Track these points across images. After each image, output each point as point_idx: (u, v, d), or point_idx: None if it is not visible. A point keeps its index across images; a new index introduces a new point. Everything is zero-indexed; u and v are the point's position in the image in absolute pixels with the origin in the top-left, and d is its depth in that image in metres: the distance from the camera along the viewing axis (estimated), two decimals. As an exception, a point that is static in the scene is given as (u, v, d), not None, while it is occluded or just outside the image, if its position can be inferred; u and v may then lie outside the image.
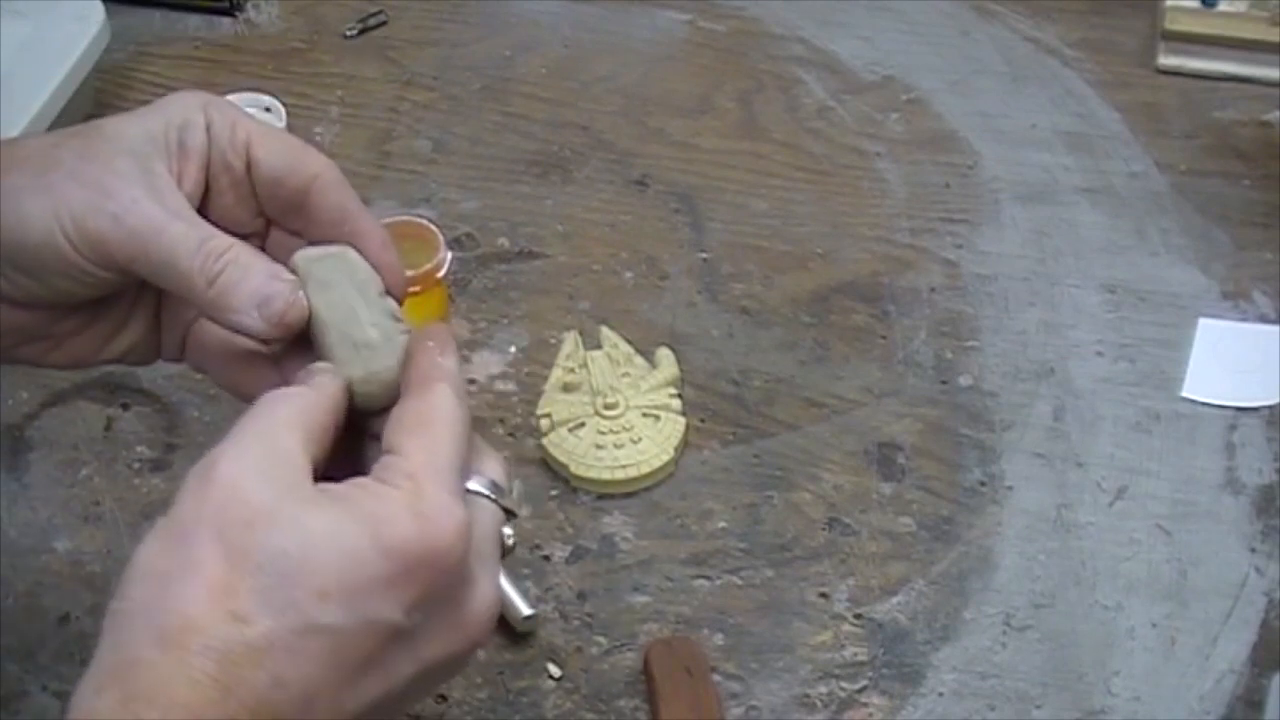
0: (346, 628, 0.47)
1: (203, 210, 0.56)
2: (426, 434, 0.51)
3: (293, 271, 0.55)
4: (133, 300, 0.58)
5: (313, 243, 0.57)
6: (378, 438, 0.52)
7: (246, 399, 0.58)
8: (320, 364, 0.54)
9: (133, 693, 0.45)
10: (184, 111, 0.56)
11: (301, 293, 0.54)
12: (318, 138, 0.93)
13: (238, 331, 0.55)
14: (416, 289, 0.76)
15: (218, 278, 0.53)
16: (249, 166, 0.56)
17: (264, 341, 0.55)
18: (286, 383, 0.55)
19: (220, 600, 0.46)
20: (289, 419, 0.50)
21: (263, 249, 0.57)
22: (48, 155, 0.55)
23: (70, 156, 0.54)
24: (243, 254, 0.54)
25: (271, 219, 0.58)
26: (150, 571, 0.47)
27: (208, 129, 0.56)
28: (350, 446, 0.54)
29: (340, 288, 0.55)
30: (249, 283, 0.54)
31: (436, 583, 0.49)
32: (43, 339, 0.58)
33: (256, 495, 0.47)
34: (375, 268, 0.56)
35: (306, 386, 0.52)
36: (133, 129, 0.55)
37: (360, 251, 0.56)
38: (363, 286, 0.55)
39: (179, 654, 0.45)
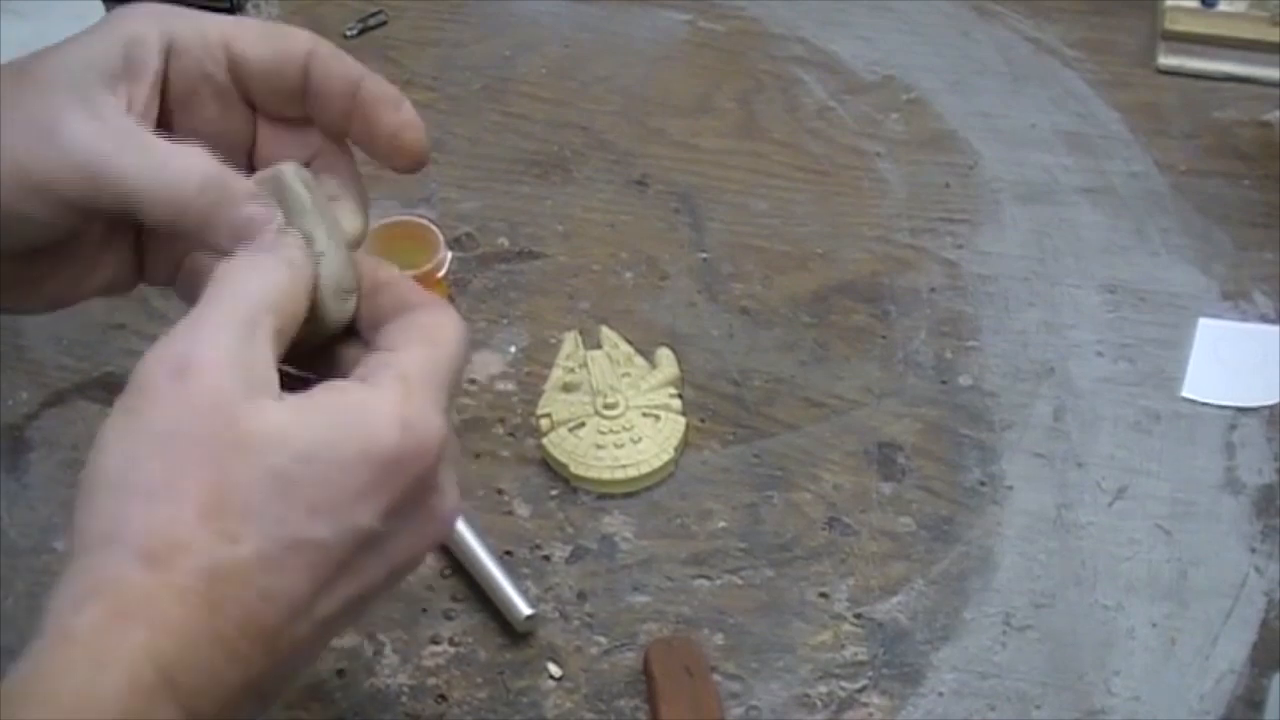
0: (329, 539, 0.47)
1: (180, 130, 0.54)
2: (431, 347, 0.50)
3: None
4: (105, 234, 0.56)
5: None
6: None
7: None
8: (286, 228, 0.51)
9: (118, 610, 0.44)
10: (130, 27, 0.53)
11: (279, 214, 0.52)
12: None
13: (206, 249, 0.53)
14: (416, 289, 0.76)
15: (196, 199, 0.51)
16: (234, 67, 0.54)
17: None
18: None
19: (209, 519, 0.45)
20: (263, 302, 0.49)
21: (251, 157, 0.56)
22: None
23: (5, 99, 0.52)
24: (215, 169, 0.51)
25: (272, 115, 0.55)
26: (128, 486, 0.46)
27: (169, 46, 0.53)
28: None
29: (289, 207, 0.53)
30: (229, 207, 0.51)
31: (409, 490, 0.49)
32: (18, 285, 0.56)
33: (242, 411, 0.46)
34: (394, 132, 0.54)
35: (277, 260, 0.50)
36: (72, 57, 0.52)
37: (375, 121, 0.54)
38: (292, 212, 0.53)
39: (167, 574, 0.44)
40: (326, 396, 0.48)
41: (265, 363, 0.48)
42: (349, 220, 0.55)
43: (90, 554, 0.45)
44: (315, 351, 0.53)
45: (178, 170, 0.51)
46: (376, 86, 0.55)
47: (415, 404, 0.49)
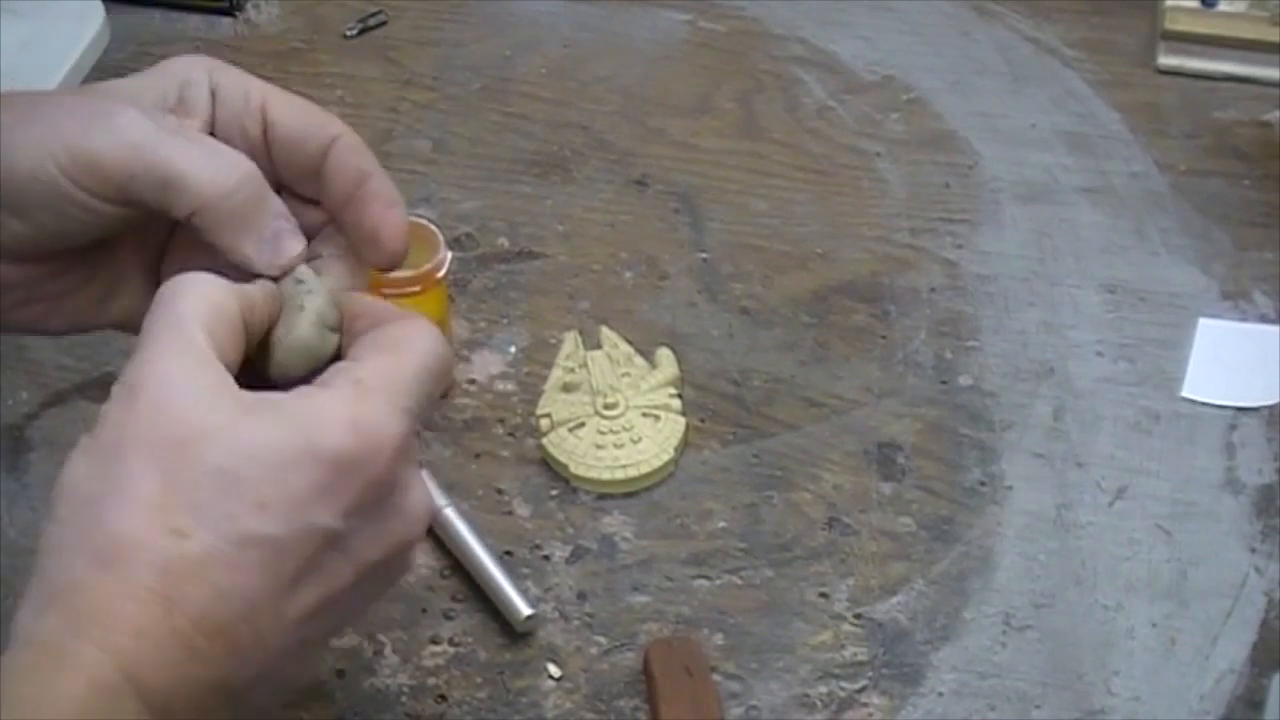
0: (283, 536, 0.47)
1: None
2: (393, 354, 0.51)
3: None
4: (127, 258, 0.58)
5: None
6: None
7: None
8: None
9: (75, 612, 0.45)
10: (185, 72, 0.56)
11: (301, 236, 0.54)
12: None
13: (228, 255, 0.54)
14: (416, 289, 0.76)
15: (235, 193, 0.53)
16: (267, 128, 0.56)
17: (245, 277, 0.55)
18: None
19: (157, 517, 0.46)
20: (195, 310, 0.50)
21: None
22: (39, 95, 0.55)
23: (62, 95, 0.55)
24: (258, 174, 0.54)
25: (285, 184, 0.57)
26: (80, 493, 0.47)
27: (214, 92, 0.56)
28: None
29: None
30: (263, 215, 0.54)
31: (367, 489, 0.49)
32: (39, 301, 0.57)
33: (187, 412, 0.48)
34: (375, 226, 0.56)
35: (206, 276, 0.51)
36: (129, 87, 0.55)
37: (365, 211, 0.56)
38: None
39: (119, 571, 0.46)
40: (276, 398, 0.49)
41: (206, 363, 0.49)
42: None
43: (47, 556, 0.47)
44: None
45: (225, 161, 0.53)
46: (380, 184, 0.56)
47: (368, 405, 0.49)
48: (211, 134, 0.56)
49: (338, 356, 0.54)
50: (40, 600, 0.46)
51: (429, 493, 0.53)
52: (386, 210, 0.56)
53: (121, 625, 0.45)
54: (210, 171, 0.53)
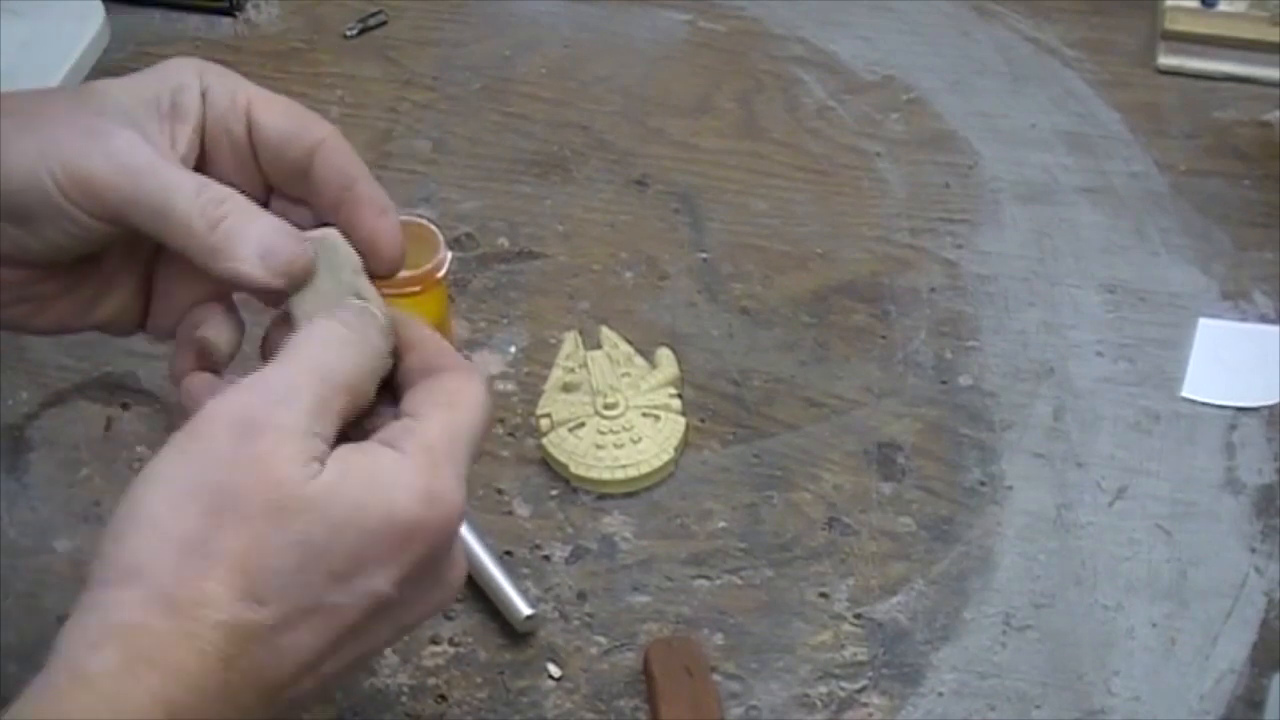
0: (345, 604, 0.48)
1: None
2: (453, 411, 0.52)
3: None
4: (119, 262, 0.58)
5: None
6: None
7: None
8: (365, 305, 0.53)
9: (135, 654, 0.45)
10: (178, 76, 0.56)
11: (308, 244, 0.54)
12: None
13: (235, 282, 0.54)
14: (416, 289, 0.76)
15: (220, 222, 0.53)
16: (252, 130, 0.56)
17: (261, 296, 0.54)
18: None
19: (238, 581, 0.46)
20: (343, 382, 0.50)
21: None
22: (35, 103, 0.54)
23: (61, 105, 0.54)
24: (243, 201, 0.54)
25: (274, 186, 0.57)
26: (165, 532, 0.47)
27: (204, 94, 0.55)
28: None
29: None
30: (253, 229, 0.53)
31: (425, 559, 0.50)
32: (28, 301, 0.57)
33: (292, 483, 0.48)
34: (371, 235, 0.55)
35: (362, 340, 0.52)
36: (124, 93, 0.55)
37: (357, 219, 0.55)
38: (336, 269, 0.54)
39: (189, 625, 0.46)
40: (360, 461, 0.49)
41: (327, 438, 0.49)
42: None
43: (111, 588, 0.46)
44: None
45: (218, 189, 0.53)
46: (369, 189, 0.56)
47: (441, 477, 0.50)
48: (201, 138, 0.56)
49: (389, 378, 0.54)
50: (97, 632, 0.46)
51: (465, 563, 0.54)
52: (379, 219, 0.56)
53: (179, 677, 0.45)
54: (203, 199, 0.53)
